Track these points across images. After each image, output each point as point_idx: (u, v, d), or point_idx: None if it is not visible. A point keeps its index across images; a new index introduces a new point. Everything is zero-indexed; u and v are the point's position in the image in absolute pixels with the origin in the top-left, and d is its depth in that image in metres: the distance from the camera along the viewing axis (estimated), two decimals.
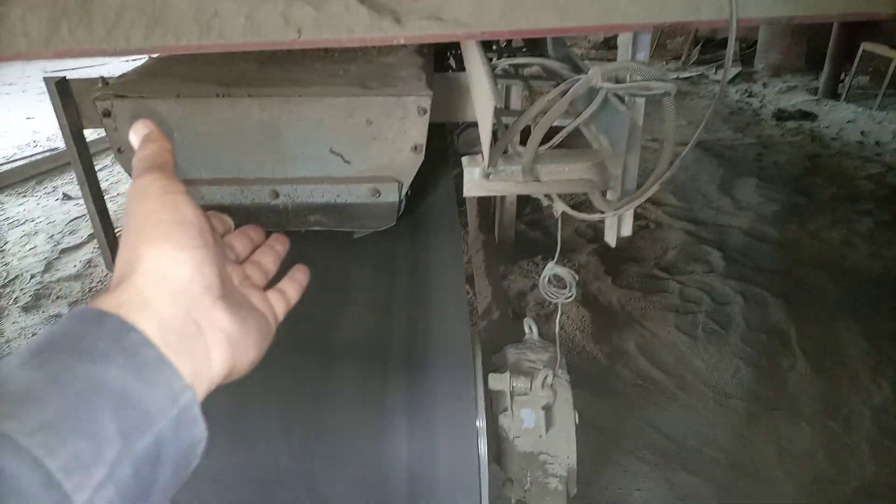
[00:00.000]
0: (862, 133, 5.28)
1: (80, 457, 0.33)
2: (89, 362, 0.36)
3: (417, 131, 1.23)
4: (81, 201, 1.75)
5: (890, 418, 2.27)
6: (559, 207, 1.03)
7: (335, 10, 0.86)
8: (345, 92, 1.21)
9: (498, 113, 0.99)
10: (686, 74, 7.37)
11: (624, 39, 0.93)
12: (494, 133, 0.97)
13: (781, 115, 5.79)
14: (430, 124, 1.23)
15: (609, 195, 0.99)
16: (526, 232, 3.46)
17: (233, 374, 0.48)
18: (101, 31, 0.85)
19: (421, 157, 1.26)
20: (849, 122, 5.59)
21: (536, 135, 0.90)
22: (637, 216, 3.70)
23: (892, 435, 2.20)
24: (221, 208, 1.37)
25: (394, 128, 1.23)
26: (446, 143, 2.02)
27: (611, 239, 1.04)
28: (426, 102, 1.20)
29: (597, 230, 3.35)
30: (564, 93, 0.89)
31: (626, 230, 1.06)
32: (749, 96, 6.50)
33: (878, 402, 2.34)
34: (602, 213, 0.96)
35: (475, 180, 0.97)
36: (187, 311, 0.44)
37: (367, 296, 1.30)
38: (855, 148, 4.98)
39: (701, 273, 3.18)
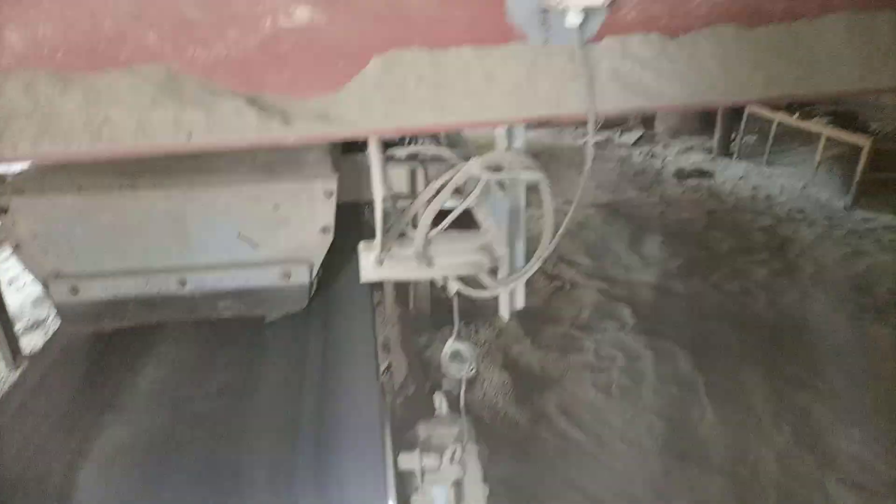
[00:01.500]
0: (753, 188, 5.69)
1: None
2: None
3: (325, 213, 1.27)
4: None
5: (793, 461, 2.40)
6: (453, 286, 1.08)
7: (225, 114, 0.91)
8: (250, 179, 1.25)
9: (389, 199, 1.04)
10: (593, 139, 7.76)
11: (500, 131, 1.01)
12: (387, 219, 1.02)
13: (681, 174, 6.18)
14: (340, 203, 1.28)
15: (499, 273, 1.05)
16: (445, 299, 3.51)
17: None
18: None
19: (330, 238, 1.29)
20: (741, 177, 6.01)
21: (424, 220, 0.96)
22: (553, 277, 3.84)
23: (795, 478, 2.32)
24: (126, 300, 1.36)
25: (301, 211, 1.26)
26: (360, 219, 2.07)
27: (504, 313, 1.10)
28: (332, 185, 1.25)
29: None
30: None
31: (519, 303, 1.12)
32: (651, 157, 6.92)
33: (781, 446, 2.47)
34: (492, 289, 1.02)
35: (370, 265, 1.01)
36: None
37: (277, 379, 1.30)
38: (748, 202, 5.36)
39: (614, 330, 3.30)
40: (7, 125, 0.87)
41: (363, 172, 1.51)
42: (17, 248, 1.25)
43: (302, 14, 0.93)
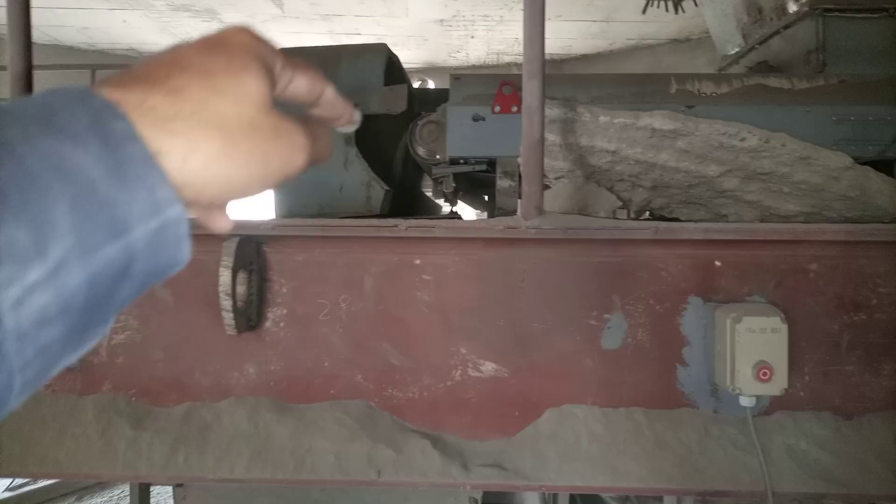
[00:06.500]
0: None
1: (16, 246, 0.27)
2: (55, 139, 0.29)
3: None
4: None
5: None
6: None
7: (412, 454, 0.99)
8: None
9: None
10: None
11: (669, 499, 1.01)
12: None
13: None
14: None
15: None
16: None
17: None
18: (211, 460, 0.99)
19: None
20: None
21: None
22: None
23: None
24: None
25: None
26: None
27: None
28: None
29: None
30: None
31: None
32: None
33: None
34: None
35: None
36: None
37: None
38: None
39: None
40: (230, 446, 1.00)
41: None
42: None
43: (488, 368, 1.05)
